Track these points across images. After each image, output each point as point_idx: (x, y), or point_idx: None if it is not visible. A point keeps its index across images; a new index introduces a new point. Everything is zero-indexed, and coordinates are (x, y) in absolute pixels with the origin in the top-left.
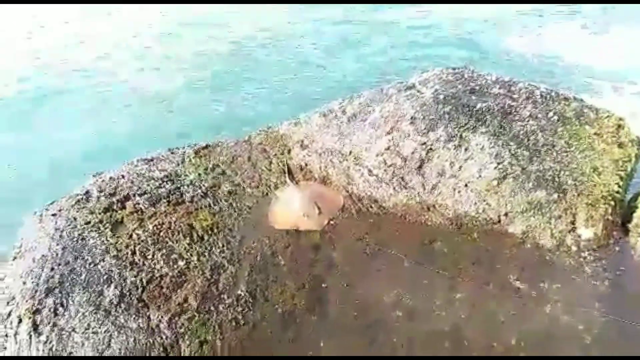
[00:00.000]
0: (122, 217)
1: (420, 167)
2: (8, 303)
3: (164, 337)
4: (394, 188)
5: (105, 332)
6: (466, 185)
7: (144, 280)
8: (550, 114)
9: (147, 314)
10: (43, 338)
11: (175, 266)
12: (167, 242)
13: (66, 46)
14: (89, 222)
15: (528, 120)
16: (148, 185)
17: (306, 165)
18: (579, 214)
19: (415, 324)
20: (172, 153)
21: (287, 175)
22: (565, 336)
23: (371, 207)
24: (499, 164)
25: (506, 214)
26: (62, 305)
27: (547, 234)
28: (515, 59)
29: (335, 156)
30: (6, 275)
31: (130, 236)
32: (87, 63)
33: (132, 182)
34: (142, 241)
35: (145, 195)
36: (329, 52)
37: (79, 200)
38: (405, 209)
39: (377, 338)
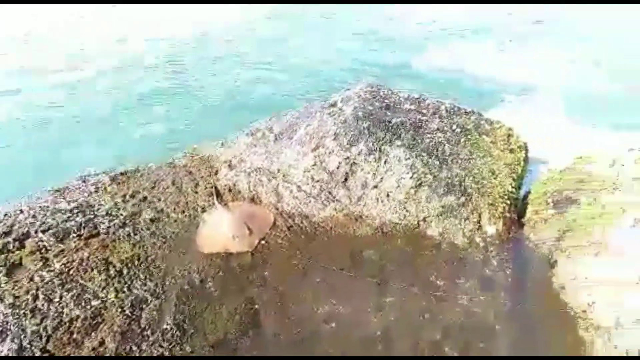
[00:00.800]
0: (21, 258)
1: (345, 180)
2: None
3: None
4: (322, 202)
5: None
6: (387, 195)
7: (49, 328)
8: (454, 126)
9: None
10: None
11: (88, 307)
12: (78, 281)
13: None
14: None
15: (436, 133)
16: (54, 219)
17: (235, 185)
18: (483, 214)
19: (348, 332)
20: (83, 182)
21: (215, 197)
22: (478, 327)
23: (302, 222)
24: (414, 173)
25: (424, 219)
26: None
27: (460, 234)
28: (431, 75)
29: (264, 175)
30: None
31: (32, 279)
32: None
33: (33, 217)
34: (47, 283)
35: (51, 231)
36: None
37: None
38: (334, 222)
39: (313, 351)
